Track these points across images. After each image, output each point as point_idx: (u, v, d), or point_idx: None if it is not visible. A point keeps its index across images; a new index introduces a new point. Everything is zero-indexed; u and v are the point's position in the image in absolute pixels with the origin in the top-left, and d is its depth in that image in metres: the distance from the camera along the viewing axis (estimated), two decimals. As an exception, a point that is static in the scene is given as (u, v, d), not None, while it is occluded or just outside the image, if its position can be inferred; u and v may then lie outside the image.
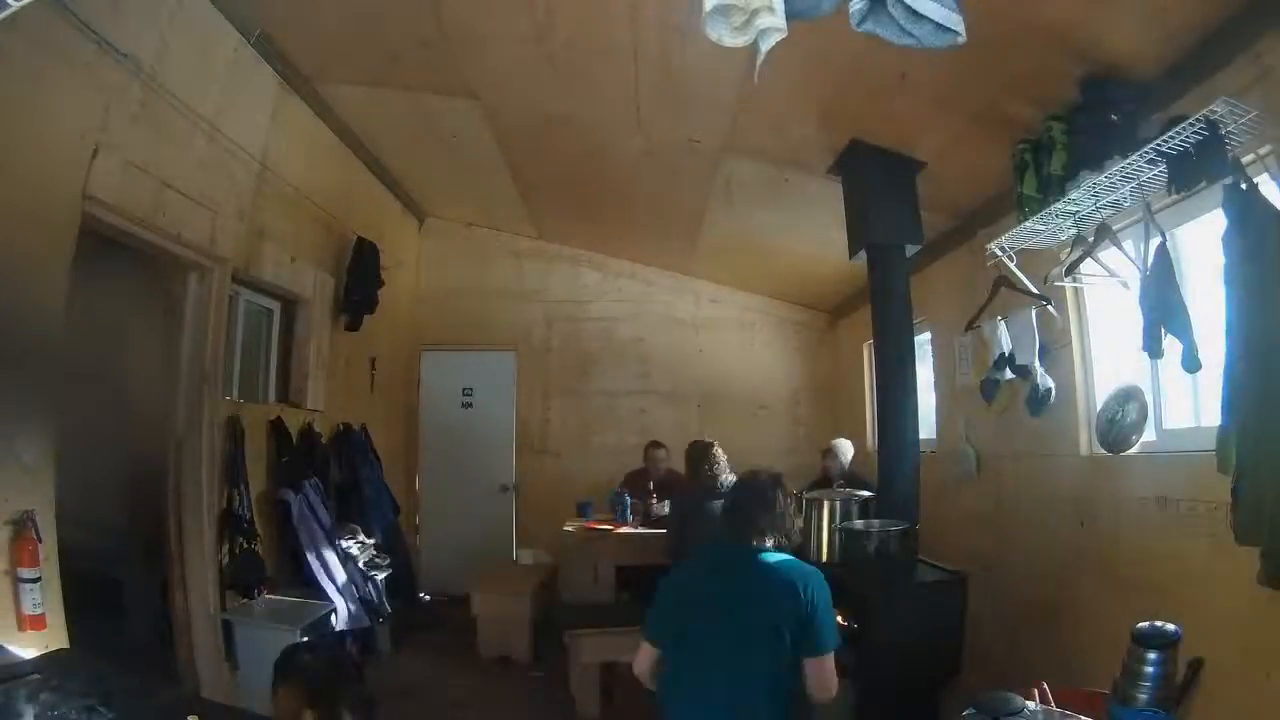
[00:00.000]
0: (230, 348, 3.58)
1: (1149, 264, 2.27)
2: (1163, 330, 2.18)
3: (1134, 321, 2.33)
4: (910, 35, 1.24)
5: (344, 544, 3.89)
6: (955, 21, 1.22)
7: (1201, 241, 2.37)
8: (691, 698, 1.92)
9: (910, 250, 3.44)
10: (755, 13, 1.30)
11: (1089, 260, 2.63)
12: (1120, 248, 2.49)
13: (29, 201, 2.25)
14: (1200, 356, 2.10)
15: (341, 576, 3.68)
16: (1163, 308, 2.18)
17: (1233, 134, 2.01)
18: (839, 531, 3.06)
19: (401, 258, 5.50)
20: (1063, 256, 2.89)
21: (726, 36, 1.36)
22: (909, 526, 2.95)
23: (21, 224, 2.22)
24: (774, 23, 1.29)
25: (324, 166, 4.28)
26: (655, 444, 5.40)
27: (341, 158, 4.52)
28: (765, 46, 1.33)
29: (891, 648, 2.61)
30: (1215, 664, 2.09)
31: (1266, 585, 1.81)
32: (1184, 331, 2.12)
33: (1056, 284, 2.83)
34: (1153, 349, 2.22)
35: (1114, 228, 2.56)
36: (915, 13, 1.20)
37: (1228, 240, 1.94)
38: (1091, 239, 2.58)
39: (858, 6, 1.23)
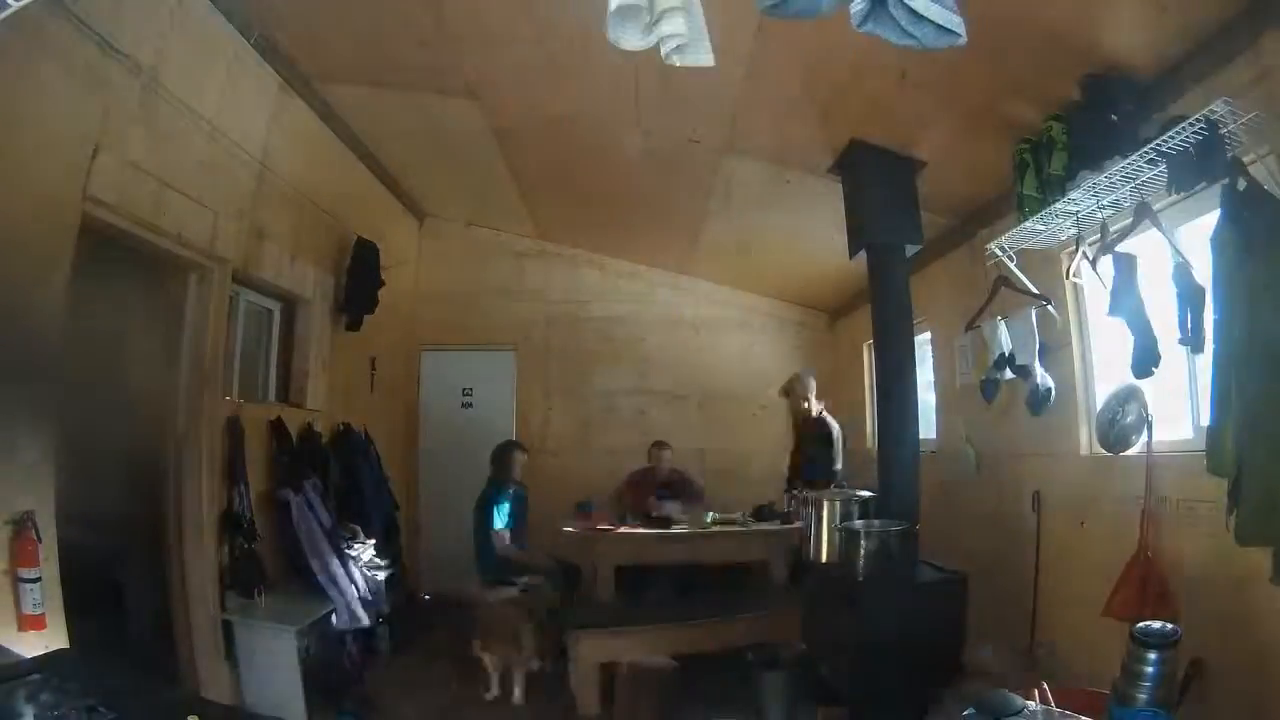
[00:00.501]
0: (230, 348, 3.57)
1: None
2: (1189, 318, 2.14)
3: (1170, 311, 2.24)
4: (911, 36, 1.24)
5: (344, 544, 3.89)
6: (956, 23, 1.22)
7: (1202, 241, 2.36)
8: None
9: (910, 250, 3.44)
10: (663, 15, 1.29)
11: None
12: (1161, 228, 2.38)
13: (29, 202, 2.25)
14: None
15: (341, 576, 3.68)
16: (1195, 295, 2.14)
17: (1233, 134, 2.01)
18: (839, 531, 3.06)
19: (401, 257, 5.50)
20: (1062, 257, 2.90)
21: (633, 39, 1.35)
22: (909, 526, 2.95)
23: (22, 224, 2.21)
24: (679, 30, 1.28)
25: (324, 166, 4.28)
26: (659, 444, 5.40)
27: (341, 158, 4.52)
28: (681, 61, 1.32)
29: (891, 648, 2.61)
30: (1215, 664, 2.09)
31: (1281, 586, 1.80)
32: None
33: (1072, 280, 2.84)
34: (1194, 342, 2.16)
35: (1112, 228, 2.57)
36: (916, 14, 1.20)
37: (1224, 240, 1.94)
38: (1131, 220, 2.52)
39: (859, 7, 1.23)
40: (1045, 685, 1.84)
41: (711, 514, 4.76)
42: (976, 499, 3.70)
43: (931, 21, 1.21)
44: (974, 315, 3.46)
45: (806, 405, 4.67)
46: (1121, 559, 2.50)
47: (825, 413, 4.63)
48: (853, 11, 1.24)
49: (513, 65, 3.47)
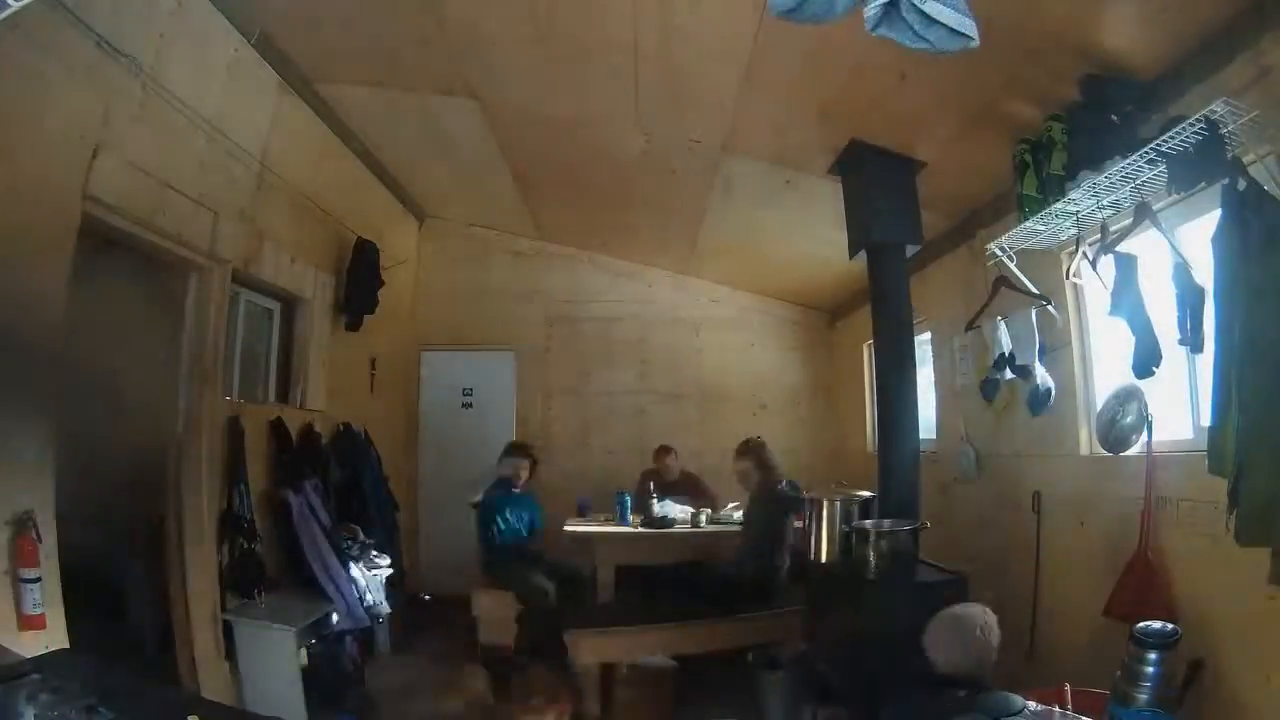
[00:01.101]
0: (230, 348, 3.58)
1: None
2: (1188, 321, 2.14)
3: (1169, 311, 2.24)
4: (924, 40, 1.23)
5: (344, 544, 3.89)
6: (968, 26, 1.21)
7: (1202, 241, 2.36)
8: None
9: (910, 250, 3.43)
10: None
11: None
12: (1161, 228, 2.38)
13: (29, 202, 2.25)
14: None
15: (341, 576, 3.68)
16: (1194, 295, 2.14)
17: (1233, 134, 2.01)
18: (850, 531, 3.04)
19: (401, 258, 5.50)
20: (1062, 257, 2.89)
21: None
22: (919, 526, 2.93)
23: (22, 224, 2.21)
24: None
25: (324, 166, 4.27)
26: (664, 449, 5.40)
27: (341, 158, 4.51)
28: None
29: (892, 648, 2.61)
30: (1215, 664, 2.09)
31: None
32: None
33: (1073, 280, 2.84)
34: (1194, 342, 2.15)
35: (1112, 228, 2.57)
36: (929, 17, 1.19)
37: (1225, 241, 1.94)
38: (1131, 220, 2.52)
39: (872, 12, 1.22)
40: (1068, 687, 1.84)
41: (706, 513, 4.76)
42: (976, 499, 3.69)
43: (943, 25, 1.20)
44: (974, 315, 3.46)
45: None
46: (1121, 559, 2.50)
47: None
48: (866, 16, 1.23)
49: (513, 65, 3.47)
